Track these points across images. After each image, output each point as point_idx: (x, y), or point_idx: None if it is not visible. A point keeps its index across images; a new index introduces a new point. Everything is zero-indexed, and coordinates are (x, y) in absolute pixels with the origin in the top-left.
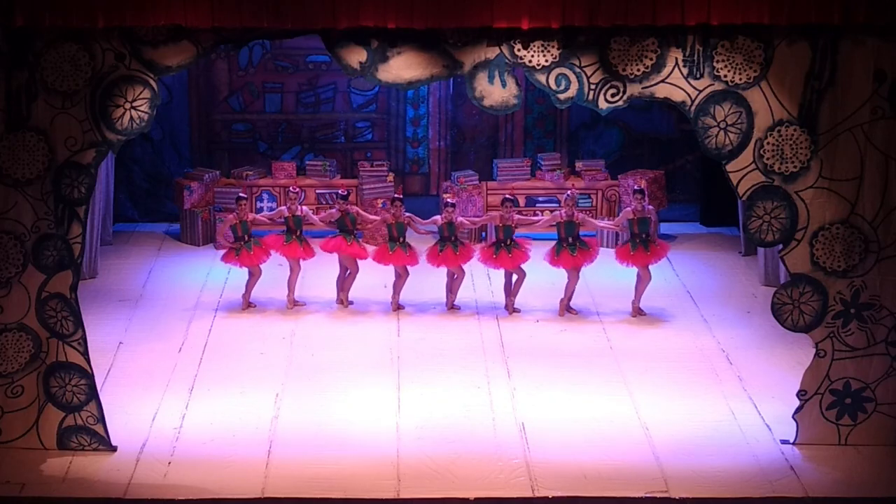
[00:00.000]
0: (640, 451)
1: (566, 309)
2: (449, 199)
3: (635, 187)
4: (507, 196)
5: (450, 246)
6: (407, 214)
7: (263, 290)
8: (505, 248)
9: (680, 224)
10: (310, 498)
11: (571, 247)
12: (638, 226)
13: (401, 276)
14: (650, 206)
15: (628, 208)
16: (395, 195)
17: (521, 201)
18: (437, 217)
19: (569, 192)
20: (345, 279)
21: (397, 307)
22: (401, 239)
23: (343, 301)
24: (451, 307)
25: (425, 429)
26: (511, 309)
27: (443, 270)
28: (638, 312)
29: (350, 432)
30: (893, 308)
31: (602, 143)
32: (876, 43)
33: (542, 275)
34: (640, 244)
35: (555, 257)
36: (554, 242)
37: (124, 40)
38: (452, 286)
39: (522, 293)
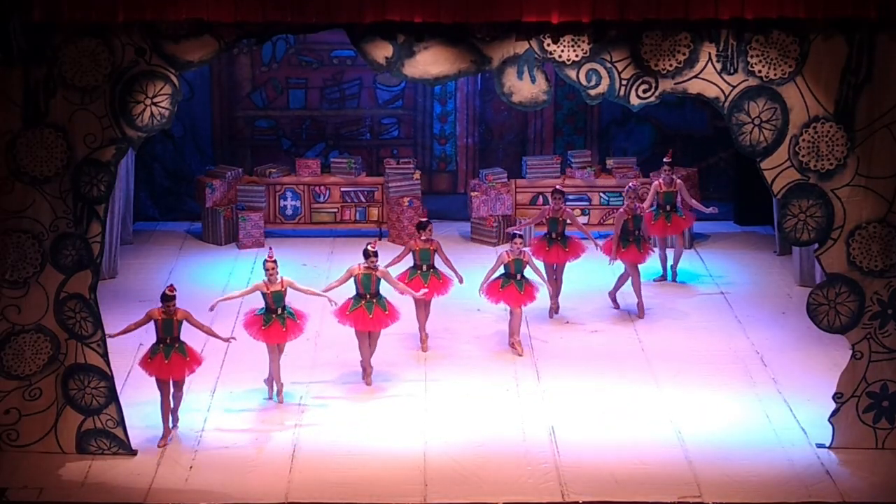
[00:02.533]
0: (672, 455)
1: (626, 304)
2: (517, 231)
3: (557, 186)
4: (557, 187)
5: (513, 284)
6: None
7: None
8: (560, 242)
9: (714, 223)
10: (335, 503)
11: (637, 241)
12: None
13: (420, 309)
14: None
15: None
16: (421, 218)
17: (551, 200)
18: (503, 253)
19: (630, 184)
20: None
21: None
22: (424, 267)
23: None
24: (517, 344)
25: (452, 433)
26: (558, 311)
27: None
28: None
29: (376, 436)
30: None
31: (634, 141)
32: None
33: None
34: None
35: (622, 250)
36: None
37: (145, 35)
38: (513, 324)
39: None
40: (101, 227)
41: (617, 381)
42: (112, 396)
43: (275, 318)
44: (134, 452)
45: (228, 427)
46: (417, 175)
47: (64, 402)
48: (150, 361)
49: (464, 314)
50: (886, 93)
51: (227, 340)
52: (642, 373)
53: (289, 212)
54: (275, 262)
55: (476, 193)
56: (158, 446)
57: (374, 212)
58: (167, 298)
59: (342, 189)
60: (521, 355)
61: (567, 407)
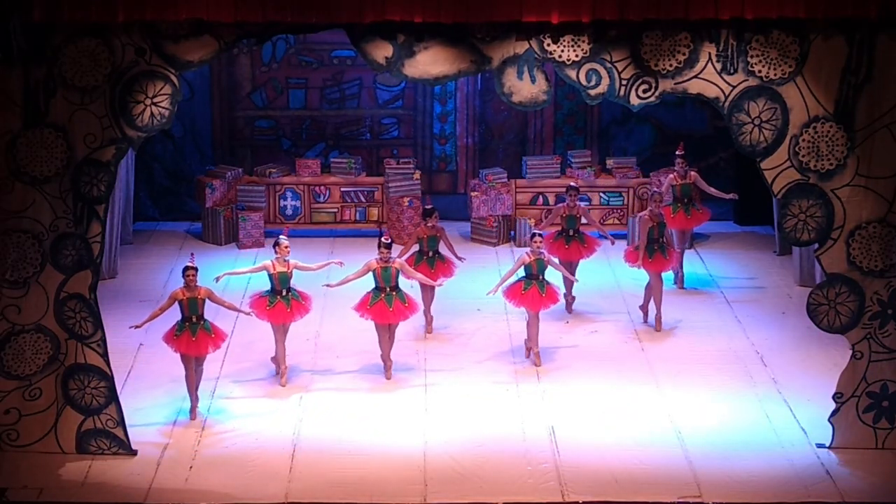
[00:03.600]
0: (672, 455)
1: (652, 318)
2: (537, 230)
3: (571, 183)
4: (572, 184)
5: (535, 286)
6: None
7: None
8: (577, 238)
9: (713, 223)
10: (334, 503)
11: (661, 248)
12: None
13: (427, 293)
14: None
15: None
16: (427, 206)
17: (552, 199)
18: (524, 255)
19: (655, 190)
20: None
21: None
22: (430, 253)
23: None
24: (535, 356)
25: (452, 433)
26: (571, 309)
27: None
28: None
29: (375, 436)
30: None
31: (634, 140)
32: None
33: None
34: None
35: (648, 260)
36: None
37: (145, 35)
38: (532, 332)
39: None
40: (101, 227)
41: (617, 381)
42: (112, 396)
43: (279, 299)
44: (134, 452)
45: (228, 427)
46: (417, 175)
47: (64, 402)
48: (176, 338)
49: (464, 314)
50: (886, 93)
51: (248, 314)
52: (642, 373)
53: (289, 212)
54: (289, 243)
55: (476, 193)
56: (191, 419)
57: (374, 212)
58: (188, 268)
59: (342, 189)
60: (539, 366)
61: (567, 407)
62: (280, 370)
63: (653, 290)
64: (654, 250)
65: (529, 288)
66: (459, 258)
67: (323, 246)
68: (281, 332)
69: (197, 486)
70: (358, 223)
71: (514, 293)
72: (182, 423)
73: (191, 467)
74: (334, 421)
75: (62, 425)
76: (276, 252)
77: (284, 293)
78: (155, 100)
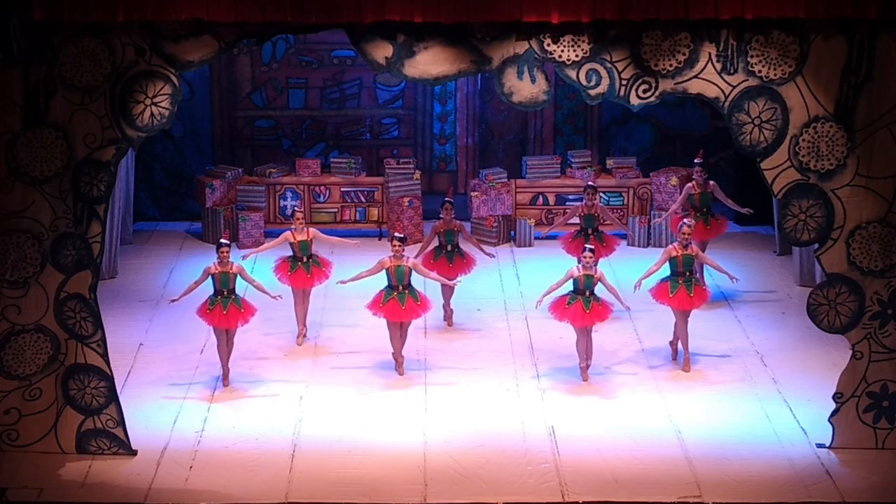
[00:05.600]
0: (672, 455)
1: (681, 357)
2: (587, 245)
3: (589, 182)
4: (590, 183)
5: (580, 301)
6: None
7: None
8: (596, 237)
9: None
10: (334, 503)
11: (688, 283)
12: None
13: (446, 286)
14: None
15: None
16: (446, 198)
17: (552, 199)
18: (574, 268)
19: (686, 220)
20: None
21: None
22: (449, 247)
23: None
24: (582, 370)
25: (452, 432)
26: None
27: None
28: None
29: (376, 436)
30: None
31: (634, 140)
32: None
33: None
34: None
35: (669, 296)
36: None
37: (145, 35)
38: (580, 346)
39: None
40: (101, 227)
41: (617, 381)
42: (112, 396)
43: (300, 265)
44: (134, 452)
45: (228, 427)
46: (417, 175)
47: (64, 402)
48: (208, 312)
49: (464, 314)
50: (886, 93)
51: (275, 297)
52: (642, 373)
53: (289, 212)
54: (302, 213)
55: (476, 193)
56: (224, 385)
57: (374, 212)
58: (222, 245)
59: (342, 189)
60: (586, 381)
61: (567, 406)
62: (298, 332)
63: (677, 328)
64: (678, 285)
65: (574, 303)
66: (488, 254)
67: (322, 246)
68: (300, 296)
69: (197, 486)
70: (358, 223)
71: (558, 307)
72: (182, 423)
73: (191, 467)
74: (334, 421)
75: (62, 425)
76: (292, 223)
77: (305, 259)
78: (155, 100)
